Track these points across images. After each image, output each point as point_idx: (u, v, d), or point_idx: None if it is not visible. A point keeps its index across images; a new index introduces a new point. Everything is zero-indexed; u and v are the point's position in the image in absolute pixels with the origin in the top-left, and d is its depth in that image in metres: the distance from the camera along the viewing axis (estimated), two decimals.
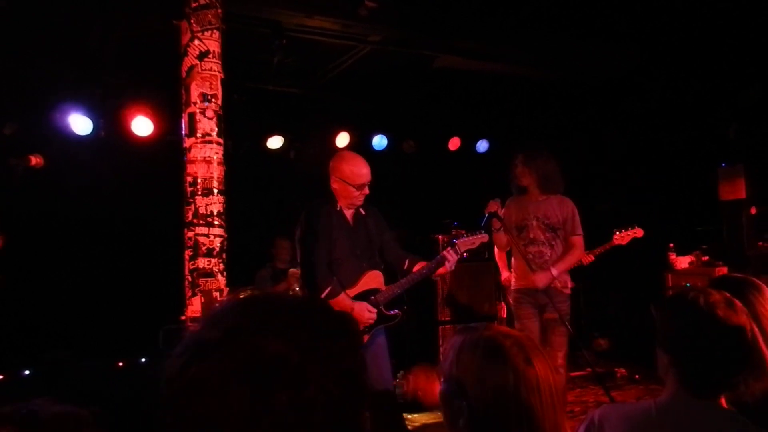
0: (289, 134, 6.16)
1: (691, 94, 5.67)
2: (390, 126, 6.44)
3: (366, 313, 3.33)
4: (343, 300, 3.29)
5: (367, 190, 3.43)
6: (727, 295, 1.54)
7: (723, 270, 5.44)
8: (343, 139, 6.21)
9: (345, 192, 3.42)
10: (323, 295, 3.23)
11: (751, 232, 5.63)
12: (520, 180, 4.16)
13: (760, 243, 5.62)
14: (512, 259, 4.36)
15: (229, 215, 3.19)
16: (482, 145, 6.80)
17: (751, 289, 1.75)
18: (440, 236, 5.97)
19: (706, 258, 5.68)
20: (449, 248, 3.54)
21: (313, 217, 3.40)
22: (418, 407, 4.98)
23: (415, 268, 3.52)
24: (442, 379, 1.31)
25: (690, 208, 6.01)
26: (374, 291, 3.45)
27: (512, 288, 4.24)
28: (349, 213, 3.50)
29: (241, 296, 0.79)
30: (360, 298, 3.38)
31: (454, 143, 6.68)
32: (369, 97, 6.19)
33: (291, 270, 5.65)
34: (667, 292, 5.44)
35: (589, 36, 4.97)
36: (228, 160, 3.16)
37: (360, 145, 6.29)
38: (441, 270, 3.54)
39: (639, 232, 4.71)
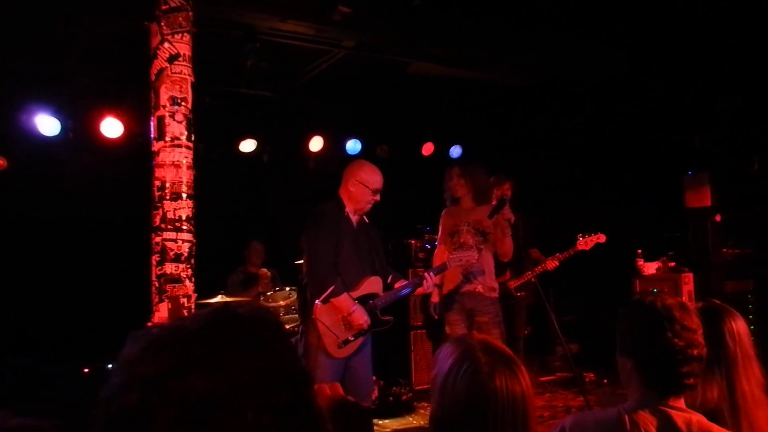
0: (262, 138, 6.13)
1: (659, 104, 5.79)
2: (364, 130, 6.44)
3: (363, 317, 3.46)
4: (345, 300, 3.43)
5: (378, 197, 3.64)
6: (679, 298, 1.68)
7: (689, 276, 5.57)
8: (316, 143, 6.20)
9: (360, 196, 3.60)
10: (327, 293, 3.39)
11: (716, 239, 5.76)
12: (455, 191, 4.38)
13: (725, 249, 5.76)
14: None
15: (200, 219, 3.16)
16: (456, 151, 6.84)
17: (731, 314, 1.95)
18: (413, 241, 5.99)
19: (672, 264, 5.80)
20: (428, 272, 3.82)
21: (324, 217, 3.54)
22: (389, 413, 4.98)
23: (397, 285, 3.78)
24: None
25: (657, 215, 6.13)
26: (373, 296, 3.63)
27: (442, 293, 4.38)
28: (354, 219, 3.66)
29: (137, 339, 0.71)
30: (360, 301, 3.54)
31: (428, 148, 6.72)
32: (343, 102, 6.19)
33: (262, 270, 5.62)
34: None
35: (565, 41, 5.02)
36: (200, 163, 3.13)
37: (334, 150, 6.29)
38: (419, 290, 3.84)
39: (602, 238, 4.80)
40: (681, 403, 1.58)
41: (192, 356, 0.66)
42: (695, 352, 1.55)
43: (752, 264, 5.60)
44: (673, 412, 1.54)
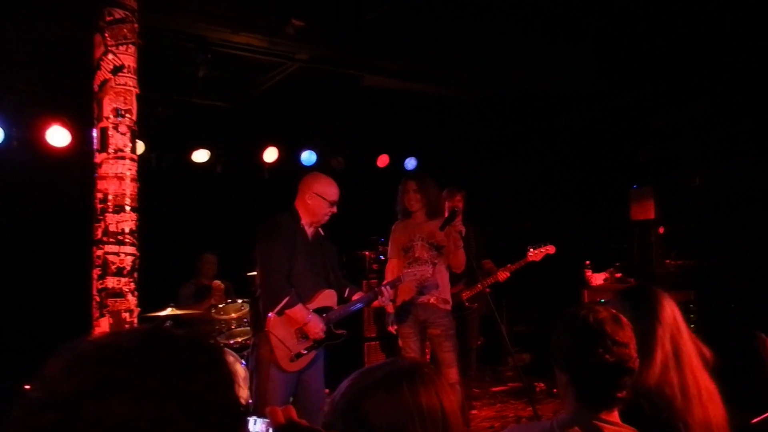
0: (216, 148, 6.07)
1: (604, 119, 5.98)
2: (319, 142, 6.46)
3: (319, 326, 3.45)
4: (300, 311, 3.40)
5: (335, 209, 3.62)
6: (613, 311, 1.67)
7: None
8: (271, 154, 6.18)
9: (318, 208, 3.58)
10: (281, 305, 3.34)
11: (660, 251, 5.95)
12: (411, 205, 4.38)
13: (668, 261, 5.95)
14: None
15: (152, 229, 3.11)
16: (410, 163, 6.92)
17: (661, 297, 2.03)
18: (367, 252, 6.02)
19: (619, 275, 5.96)
20: (384, 286, 3.82)
21: (279, 229, 3.50)
22: None
23: (354, 297, 3.78)
24: None
25: (604, 227, 6.30)
26: (327, 309, 3.60)
27: (396, 305, 4.36)
28: (310, 231, 3.64)
29: (62, 352, 0.67)
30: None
31: (383, 160, 6.78)
32: (298, 113, 6.19)
33: (215, 282, 5.54)
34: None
35: (511, 58, 5.12)
36: (153, 173, 3.09)
37: (288, 161, 6.28)
38: (375, 303, 3.85)
39: (551, 249, 4.89)
40: (614, 416, 1.60)
41: (117, 378, 0.62)
42: (627, 365, 1.58)
43: (694, 275, 5.79)
44: (605, 426, 1.56)
